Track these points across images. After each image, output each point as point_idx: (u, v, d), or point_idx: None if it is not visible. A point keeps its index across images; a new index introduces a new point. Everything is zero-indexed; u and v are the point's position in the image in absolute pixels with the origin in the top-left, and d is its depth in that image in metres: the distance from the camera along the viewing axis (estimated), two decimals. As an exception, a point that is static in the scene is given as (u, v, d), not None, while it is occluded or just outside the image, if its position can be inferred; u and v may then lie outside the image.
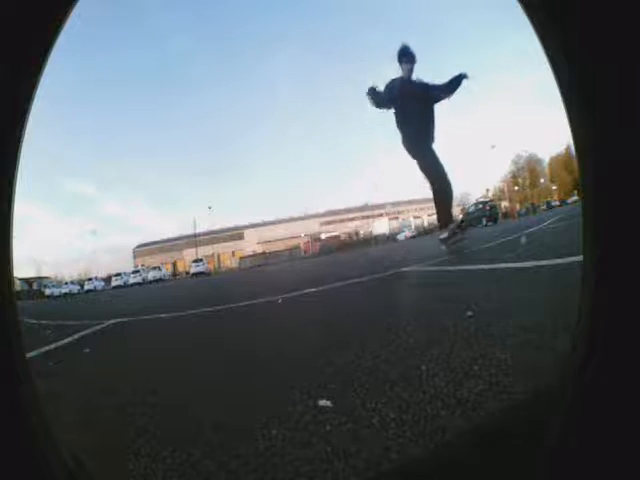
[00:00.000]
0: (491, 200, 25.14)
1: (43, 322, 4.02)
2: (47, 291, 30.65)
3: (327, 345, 1.37)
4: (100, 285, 33.79)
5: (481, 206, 21.45)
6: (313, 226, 52.44)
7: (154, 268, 36.35)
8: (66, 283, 35.05)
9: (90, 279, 35.42)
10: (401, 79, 4.19)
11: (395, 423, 0.72)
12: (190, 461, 0.72)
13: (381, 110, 4.28)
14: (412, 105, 4.08)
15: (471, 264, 2.96)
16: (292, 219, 55.29)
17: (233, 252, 51.10)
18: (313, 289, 3.10)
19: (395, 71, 4.23)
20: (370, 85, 4.25)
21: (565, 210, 14.00)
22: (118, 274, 35.20)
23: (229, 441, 0.77)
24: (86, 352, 2.06)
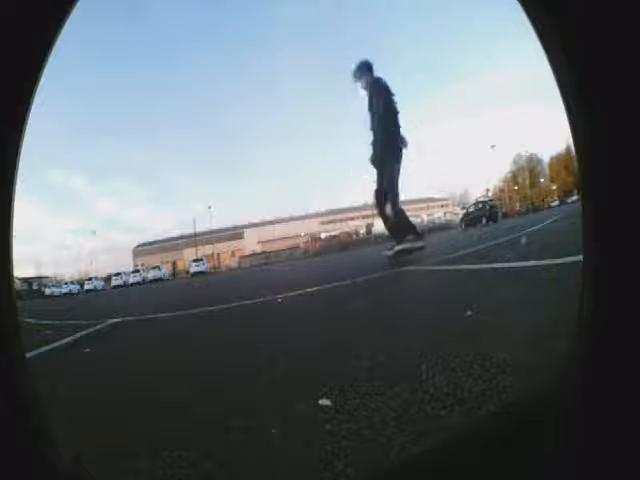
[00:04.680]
0: (491, 200, 25.13)
1: (43, 322, 4.02)
2: (47, 291, 30.62)
3: (326, 344, 1.37)
4: (100, 285, 33.81)
5: (481, 206, 21.47)
6: (313, 226, 52.42)
7: (154, 268, 36.41)
8: (66, 283, 35.07)
9: (90, 279, 35.43)
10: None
11: (395, 423, 0.72)
12: (190, 461, 0.72)
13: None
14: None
15: (472, 264, 2.96)
16: (292, 219, 55.27)
17: (233, 252, 51.08)
18: (312, 289, 3.10)
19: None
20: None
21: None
22: (118, 274, 35.25)
23: (229, 440, 0.77)
24: (86, 352, 2.06)
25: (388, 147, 4.03)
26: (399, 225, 4.04)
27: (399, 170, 4.04)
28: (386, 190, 4.02)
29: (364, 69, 4.19)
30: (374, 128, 4.10)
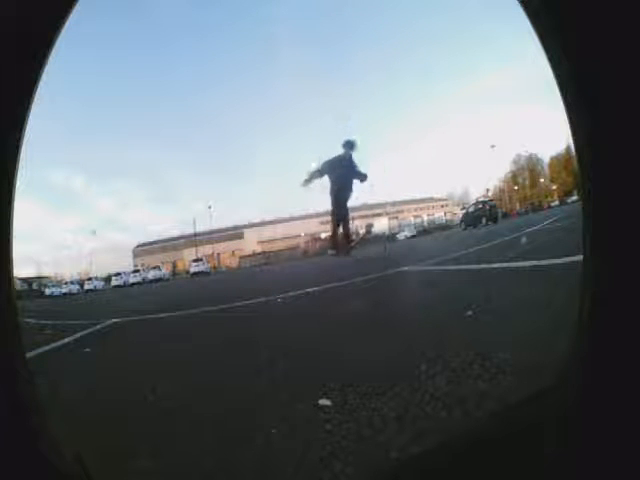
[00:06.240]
0: (491, 200, 25.04)
1: (43, 322, 4.02)
2: (47, 291, 30.53)
3: (326, 344, 1.37)
4: (100, 285, 33.78)
5: (481, 206, 21.42)
6: (313, 226, 52.39)
7: (154, 268, 36.40)
8: (66, 283, 35.00)
9: (90, 279, 35.38)
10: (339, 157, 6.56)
11: (395, 423, 0.72)
12: (190, 460, 0.72)
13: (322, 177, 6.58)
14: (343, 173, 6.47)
15: (472, 264, 2.96)
16: (292, 219, 55.21)
17: (233, 252, 51.05)
18: (312, 289, 3.10)
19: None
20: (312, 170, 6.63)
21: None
22: (118, 274, 35.21)
23: (228, 440, 0.77)
24: (86, 352, 2.06)
25: (346, 188, 6.50)
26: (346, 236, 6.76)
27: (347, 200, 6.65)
28: (342, 214, 6.59)
29: (350, 145, 6.56)
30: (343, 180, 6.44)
